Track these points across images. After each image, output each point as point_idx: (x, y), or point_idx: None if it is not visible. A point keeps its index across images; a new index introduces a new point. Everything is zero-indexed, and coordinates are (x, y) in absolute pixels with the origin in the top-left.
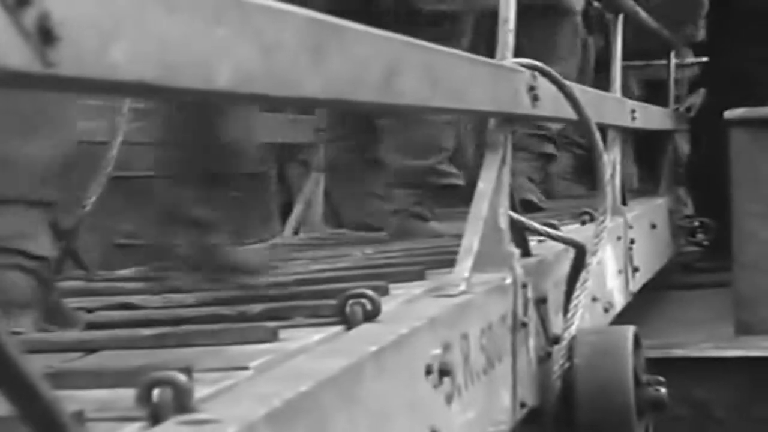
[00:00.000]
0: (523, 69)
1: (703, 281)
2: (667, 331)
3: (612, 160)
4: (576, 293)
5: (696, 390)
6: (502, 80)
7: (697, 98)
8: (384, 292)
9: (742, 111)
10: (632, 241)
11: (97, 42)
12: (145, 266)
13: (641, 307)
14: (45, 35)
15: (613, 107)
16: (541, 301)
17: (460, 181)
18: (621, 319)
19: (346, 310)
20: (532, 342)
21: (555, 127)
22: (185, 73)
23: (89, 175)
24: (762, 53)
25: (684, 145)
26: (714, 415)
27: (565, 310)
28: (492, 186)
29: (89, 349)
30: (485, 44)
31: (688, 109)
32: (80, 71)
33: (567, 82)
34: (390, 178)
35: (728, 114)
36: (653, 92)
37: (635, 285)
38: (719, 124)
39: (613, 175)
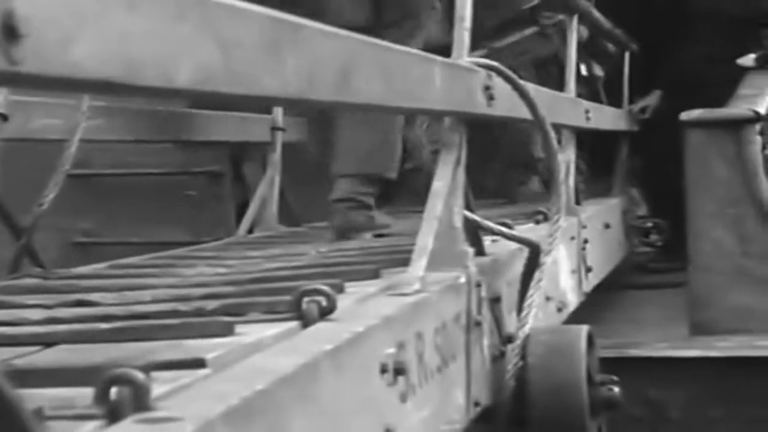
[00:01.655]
0: (478, 69)
1: (657, 281)
2: (622, 331)
3: (566, 160)
4: (530, 292)
5: (651, 390)
6: (457, 79)
7: (652, 99)
8: (339, 290)
9: (697, 112)
10: (586, 241)
11: (60, 40)
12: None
13: (596, 307)
14: (9, 33)
15: (568, 107)
16: (495, 300)
17: None
18: (576, 319)
19: (301, 306)
20: (485, 341)
21: None
22: (147, 70)
23: (47, 173)
24: (716, 54)
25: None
26: (669, 415)
27: (519, 309)
28: (447, 185)
29: (47, 342)
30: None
31: (643, 111)
32: (44, 69)
33: (522, 82)
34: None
35: (684, 115)
36: None
37: (588, 285)
38: (673, 124)
39: (567, 175)
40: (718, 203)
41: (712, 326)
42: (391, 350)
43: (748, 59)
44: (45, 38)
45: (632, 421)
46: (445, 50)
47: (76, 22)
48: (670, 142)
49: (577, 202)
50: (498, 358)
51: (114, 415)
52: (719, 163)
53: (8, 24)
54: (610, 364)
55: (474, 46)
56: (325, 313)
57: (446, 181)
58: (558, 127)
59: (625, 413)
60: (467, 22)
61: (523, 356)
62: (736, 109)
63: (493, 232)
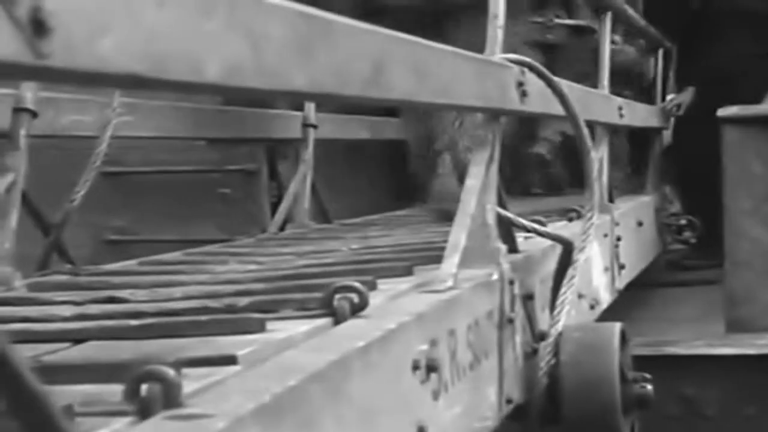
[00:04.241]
0: (511, 65)
1: (691, 279)
2: (657, 329)
3: (599, 157)
4: (563, 290)
5: (687, 388)
6: (490, 76)
7: (685, 96)
8: (371, 287)
9: (734, 109)
10: (619, 239)
11: (88, 33)
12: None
13: (630, 304)
14: (37, 26)
15: (601, 104)
16: (528, 298)
17: None
18: (610, 316)
19: (333, 303)
20: (518, 338)
21: None
22: (175, 65)
23: (78, 170)
24: (746, 50)
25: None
26: (705, 413)
27: (552, 307)
28: (480, 182)
29: (77, 339)
30: None
31: (677, 107)
32: (71, 63)
33: (555, 78)
34: None
35: (721, 112)
36: None
37: (621, 282)
38: (707, 121)
39: (600, 172)
40: (755, 200)
41: (748, 324)
42: (424, 347)
43: None
44: (73, 32)
45: (668, 419)
46: None
47: (105, 16)
48: (703, 139)
49: (611, 200)
50: (530, 355)
51: (144, 411)
52: (756, 160)
53: (36, 18)
54: (646, 362)
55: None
56: (357, 310)
57: (479, 178)
58: (591, 124)
59: (661, 411)
60: (501, 20)
61: (555, 353)
62: None
63: (526, 229)
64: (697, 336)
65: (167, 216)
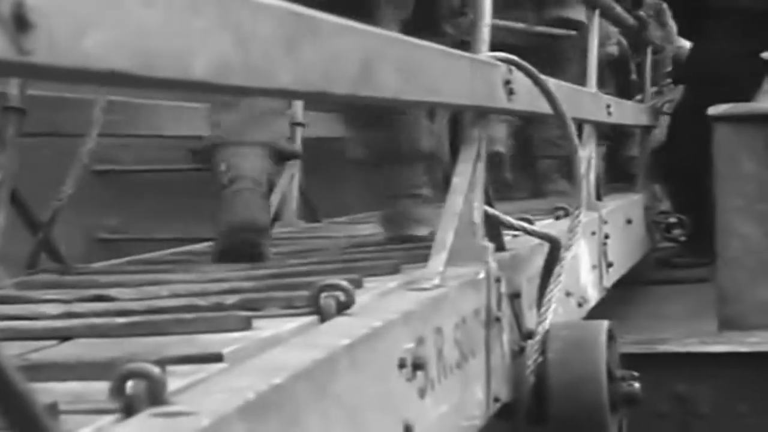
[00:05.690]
0: (498, 63)
1: (681, 277)
2: (648, 327)
3: (587, 155)
4: (550, 288)
5: (680, 386)
6: (477, 74)
7: (674, 94)
8: (358, 285)
9: (725, 107)
10: (607, 237)
11: (72, 30)
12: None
13: (621, 303)
14: (20, 22)
15: (589, 102)
16: (515, 296)
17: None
18: (600, 315)
19: (319, 301)
20: (505, 336)
21: None
22: (161, 62)
23: (66, 167)
24: (736, 49)
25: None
26: (698, 411)
27: (539, 305)
28: (467, 180)
29: (63, 337)
30: None
31: (666, 105)
32: (55, 59)
33: (542, 77)
34: None
35: (712, 110)
36: None
37: (609, 280)
38: (697, 120)
39: (588, 170)
40: (746, 198)
41: (740, 321)
42: (410, 345)
43: None
44: (56, 28)
45: (661, 417)
46: None
47: (90, 12)
48: (692, 137)
49: (599, 198)
50: (517, 353)
51: (129, 409)
52: (747, 158)
53: (18, 13)
54: (638, 360)
55: None
56: (343, 308)
57: (466, 176)
58: (579, 122)
59: (654, 409)
60: (487, 18)
61: (542, 352)
62: (765, 103)
63: (513, 228)
64: (689, 334)
65: (159, 215)
